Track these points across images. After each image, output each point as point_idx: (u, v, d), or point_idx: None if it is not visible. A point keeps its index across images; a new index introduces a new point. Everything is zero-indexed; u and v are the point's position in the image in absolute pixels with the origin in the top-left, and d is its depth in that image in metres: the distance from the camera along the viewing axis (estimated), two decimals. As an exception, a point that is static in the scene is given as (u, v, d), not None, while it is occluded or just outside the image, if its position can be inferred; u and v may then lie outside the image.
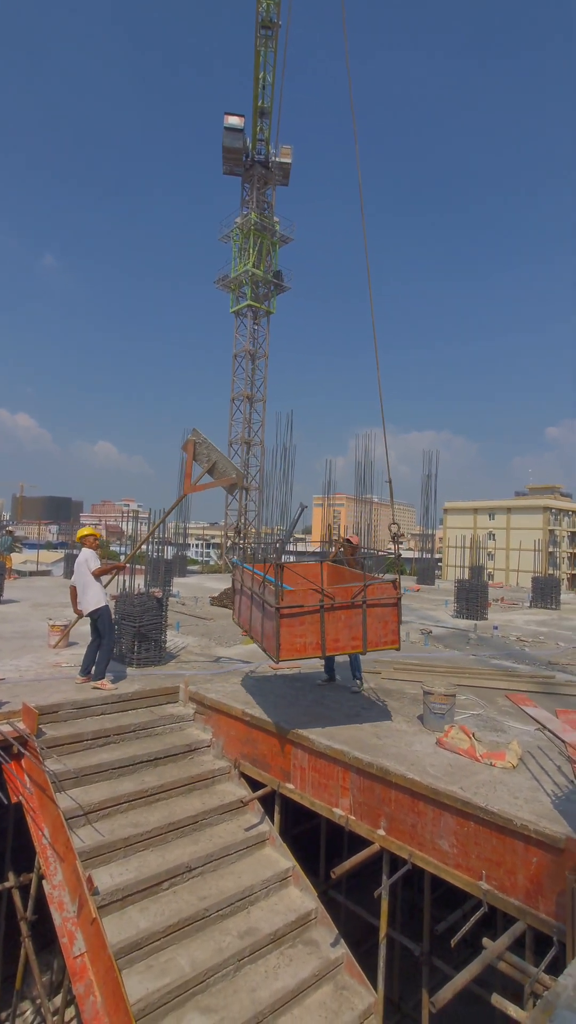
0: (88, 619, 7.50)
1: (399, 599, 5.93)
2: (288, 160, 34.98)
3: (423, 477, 26.34)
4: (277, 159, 34.70)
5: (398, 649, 6.01)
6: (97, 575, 7.47)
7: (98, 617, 7.37)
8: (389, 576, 7.06)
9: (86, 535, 7.82)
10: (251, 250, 34.19)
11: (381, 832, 5.03)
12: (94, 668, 7.23)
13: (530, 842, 4.06)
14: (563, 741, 5.79)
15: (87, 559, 7.53)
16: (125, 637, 8.32)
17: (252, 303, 35.04)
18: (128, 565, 8.79)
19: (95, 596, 7.38)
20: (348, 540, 8.12)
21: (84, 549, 7.66)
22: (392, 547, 6.33)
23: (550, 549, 60.81)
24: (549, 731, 6.12)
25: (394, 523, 6.22)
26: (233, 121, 33.48)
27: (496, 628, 12.96)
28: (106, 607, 7.40)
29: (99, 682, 7.09)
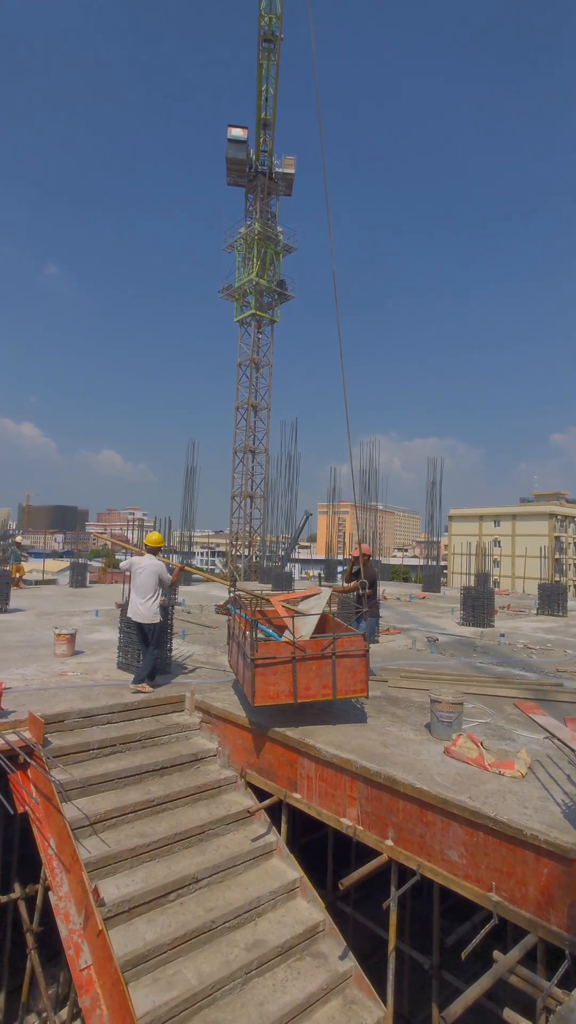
0: (134, 627, 7.83)
1: (367, 651, 6.26)
2: (291, 171, 35.24)
3: (428, 484, 26.39)
4: (280, 170, 34.99)
5: (367, 697, 6.43)
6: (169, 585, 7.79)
7: (156, 626, 7.62)
8: (362, 627, 7.60)
9: (158, 542, 7.82)
10: (255, 260, 34.42)
11: (389, 842, 4.98)
12: (137, 673, 7.54)
13: (541, 852, 4.01)
14: (572, 750, 5.72)
15: (162, 569, 7.63)
16: (131, 646, 8.31)
17: (256, 312, 35.22)
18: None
19: (159, 606, 7.62)
20: (361, 554, 8.26)
21: (155, 558, 7.70)
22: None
23: (556, 555, 60.55)
24: (558, 740, 6.06)
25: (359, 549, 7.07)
26: (236, 133, 33.79)
27: (503, 636, 12.88)
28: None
29: (139, 685, 7.32)
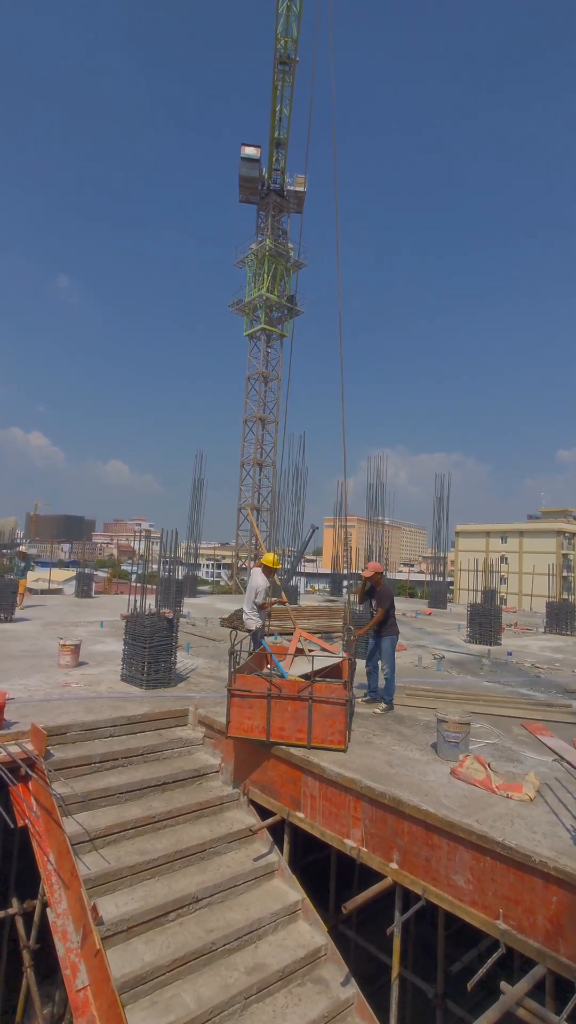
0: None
1: (347, 700, 6.06)
2: (303, 189, 35.67)
3: (435, 499, 26.31)
4: (292, 188, 35.46)
5: (344, 751, 5.93)
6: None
7: (249, 633, 7.90)
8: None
9: (272, 563, 7.79)
10: (266, 275, 34.75)
11: (394, 865, 4.88)
12: None
13: (550, 880, 3.91)
14: (582, 773, 5.61)
15: (253, 585, 7.79)
16: (135, 658, 8.27)
17: (266, 326, 35.49)
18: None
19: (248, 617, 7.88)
20: (372, 575, 7.75)
21: (258, 573, 7.80)
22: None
23: (564, 573, 60.02)
24: (567, 762, 5.94)
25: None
26: (250, 152, 34.31)
27: (510, 654, 12.73)
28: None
29: None
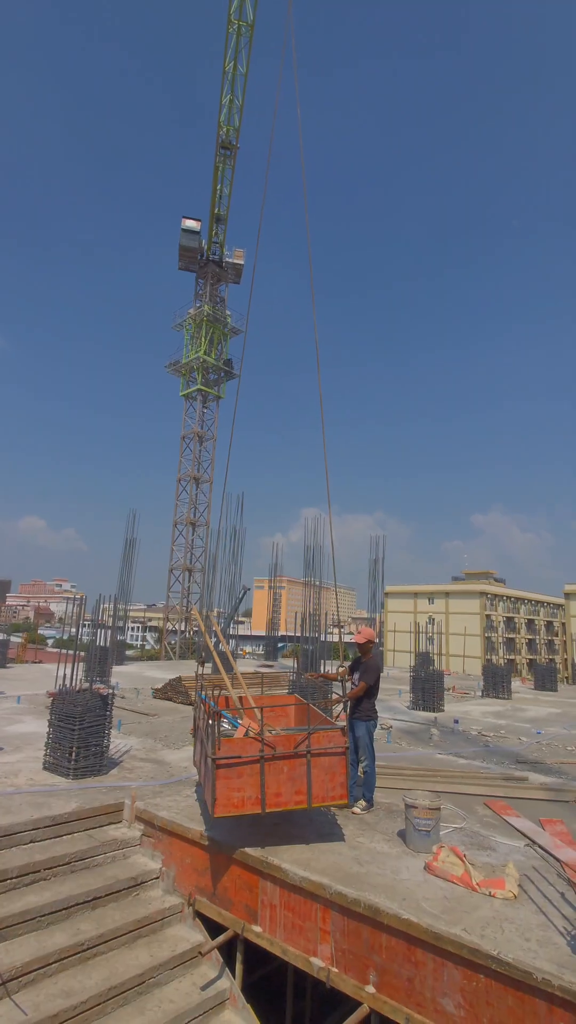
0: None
1: (347, 748, 5.49)
2: (241, 262, 37.28)
3: (370, 561, 26.53)
4: (231, 260, 36.94)
5: (347, 805, 5.54)
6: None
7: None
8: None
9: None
10: (203, 339, 35.41)
11: (370, 988, 4.25)
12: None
13: (555, 1002, 3.47)
14: (558, 860, 5.28)
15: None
16: (62, 742, 7.28)
17: (202, 387, 35.81)
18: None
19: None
20: (365, 642, 6.66)
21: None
22: (335, 631, 5.97)
23: (487, 634, 61.91)
24: (540, 847, 5.61)
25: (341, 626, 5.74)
26: (190, 224, 35.64)
27: (457, 722, 12.50)
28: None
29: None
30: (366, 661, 6.52)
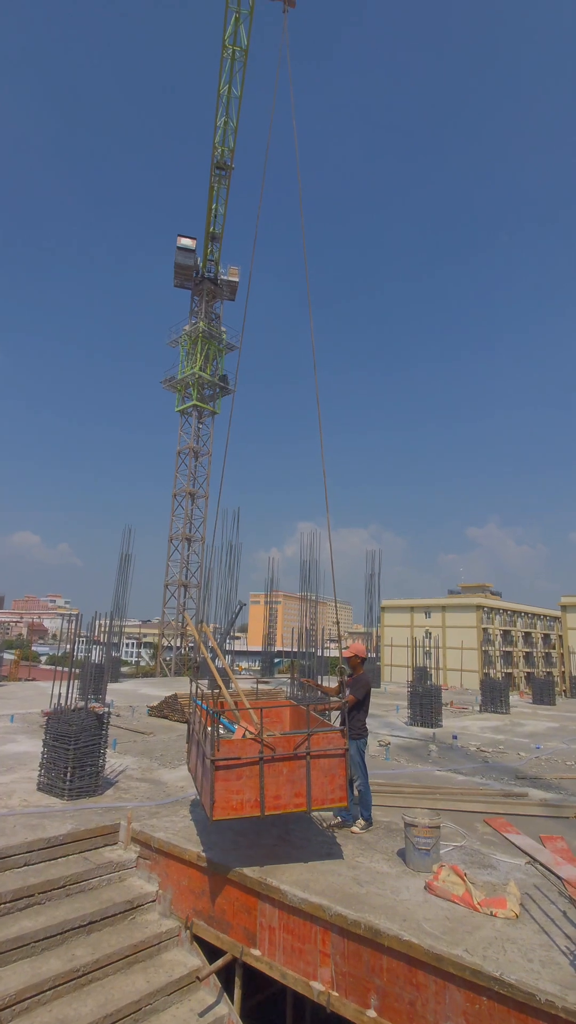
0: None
1: (346, 750, 5.46)
2: (236, 279, 37.68)
3: (366, 575, 26.49)
4: (225, 278, 37.34)
5: (347, 808, 5.53)
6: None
7: None
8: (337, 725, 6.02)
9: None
10: (198, 355, 35.67)
11: (372, 1013, 4.18)
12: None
13: (559, 1024, 3.42)
14: (559, 878, 5.23)
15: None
16: (57, 762, 7.19)
17: (198, 403, 35.99)
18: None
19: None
20: (351, 656, 6.64)
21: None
22: (331, 645, 5.87)
23: (484, 648, 61.72)
24: (540, 864, 5.56)
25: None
26: (185, 242, 36.10)
27: (455, 737, 12.41)
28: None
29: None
30: (356, 676, 6.45)
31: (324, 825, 6.44)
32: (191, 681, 7.58)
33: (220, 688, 7.16)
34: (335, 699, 6.59)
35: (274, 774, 5.17)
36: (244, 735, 5.67)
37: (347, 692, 6.30)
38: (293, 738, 5.36)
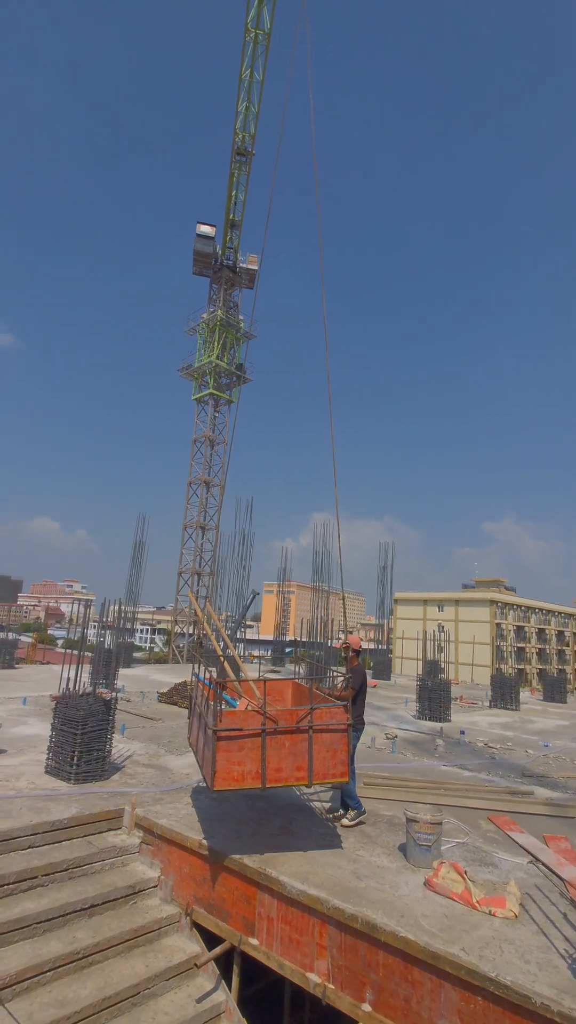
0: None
1: (349, 725, 5.45)
2: (255, 267, 37.38)
3: (379, 568, 26.41)
4: (244, 265, 37.09)
5: (347, 783, 5.55)
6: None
7: None
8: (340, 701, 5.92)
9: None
10: (216, 343, 35.55)
11: (366, 1007, 4.18)
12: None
13: (554, 1028, 3.38)
14: (561, 879, 5.18)
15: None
16: (65, 746, 7.28)
17: (214, 392, 35.92)
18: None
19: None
20: (347, 647, 6.66)
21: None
22: (342, 636, 5.79)
23: (497, 643, 61.29)
24: (543, 864, 5.50)
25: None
26: (205, 229, 35.88)
27: (463, 732, 12.34)
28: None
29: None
30: (352, 667, 6.45)
31: (326, 816, 6.45)
32: (195, 657, 7.60)
33: (222, 662, 7.20)
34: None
35: (276, 747, 5.17)
36: (247, 708, 5.68)
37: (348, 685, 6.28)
38: (295, 712, 5.36)
